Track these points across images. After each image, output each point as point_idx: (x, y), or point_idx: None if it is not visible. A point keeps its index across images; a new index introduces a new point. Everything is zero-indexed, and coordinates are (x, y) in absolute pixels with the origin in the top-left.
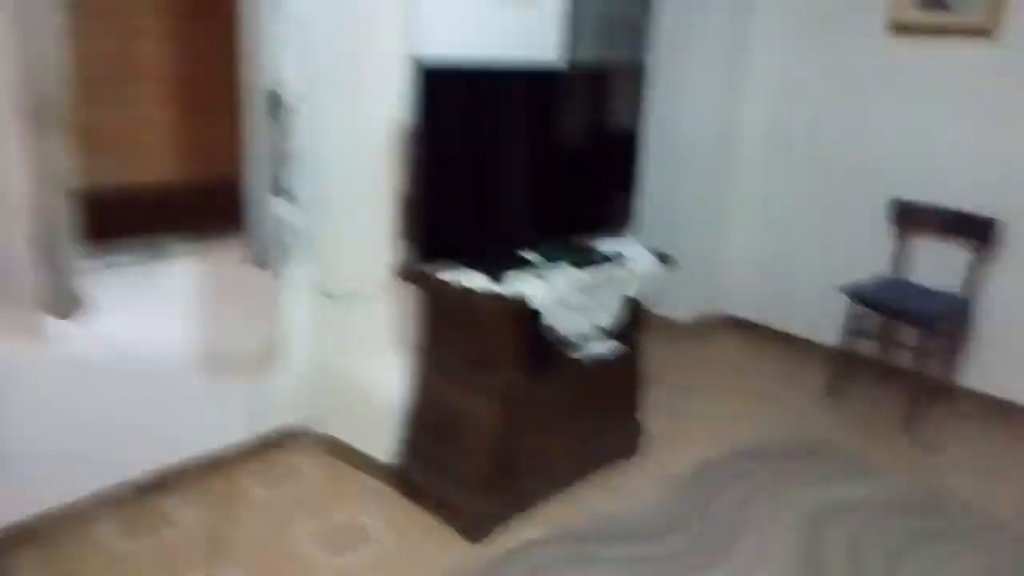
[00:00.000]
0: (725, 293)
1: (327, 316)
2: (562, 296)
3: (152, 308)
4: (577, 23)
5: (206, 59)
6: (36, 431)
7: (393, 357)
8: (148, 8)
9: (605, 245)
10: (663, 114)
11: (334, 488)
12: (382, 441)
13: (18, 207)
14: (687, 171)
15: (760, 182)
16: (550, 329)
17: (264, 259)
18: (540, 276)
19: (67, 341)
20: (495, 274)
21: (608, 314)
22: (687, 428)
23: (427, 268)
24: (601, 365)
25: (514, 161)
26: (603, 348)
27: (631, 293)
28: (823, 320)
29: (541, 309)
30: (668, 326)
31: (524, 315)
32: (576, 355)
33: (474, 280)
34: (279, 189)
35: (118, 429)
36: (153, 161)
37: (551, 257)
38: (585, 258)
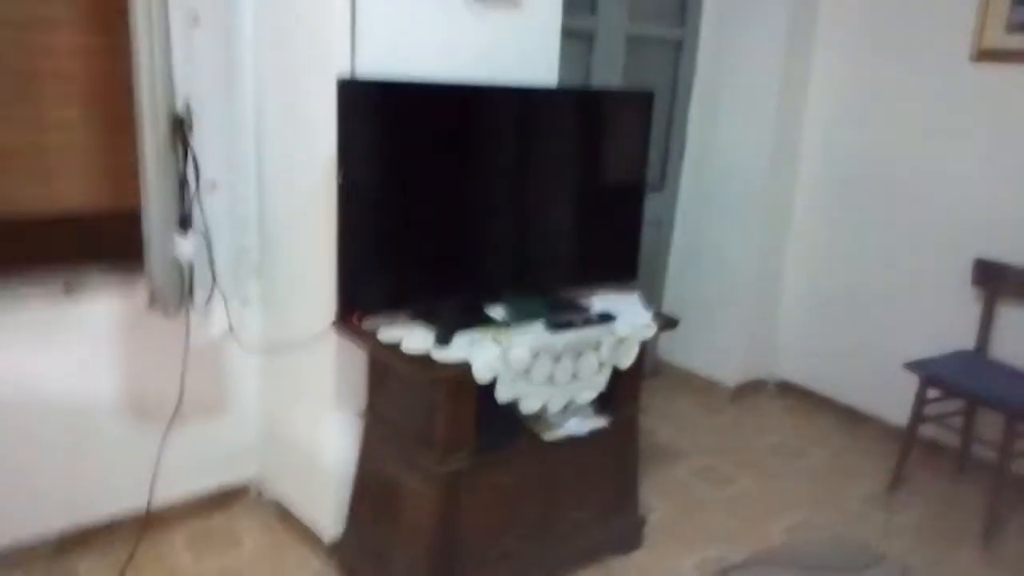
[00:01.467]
0: (777, 354)
1: (270, 368)
2: (521, 364)
3: (61, 347)
4: (584, 39)
5: (121, 75)
6: None
7: (338, 418)
8: (59, 22)
9: (596, 301)
10: (705, 140)
11: (268, 564)
12: (326, 512)
13: None
14: (734, 206)
15: (818, 226)
16: (507, 403)
17: (166, 301)
18: (497, 339)
19: None
20: (445, 333)
21: (587, 386)
22: (705, 520)
23: (367, 322)
24: (580, 445)
25: (478, 197)
26: (579, 426)
27: (618, 362)
28: (891, 395)
29: (490, 380)
30: (707, 389)
31: (469, 385)
32: (545, 434)
33: (414, 340)
34: (186, 224)
35: (35, 477)
36: (64, 187)
37: (521, 314)
38: (562, 317)
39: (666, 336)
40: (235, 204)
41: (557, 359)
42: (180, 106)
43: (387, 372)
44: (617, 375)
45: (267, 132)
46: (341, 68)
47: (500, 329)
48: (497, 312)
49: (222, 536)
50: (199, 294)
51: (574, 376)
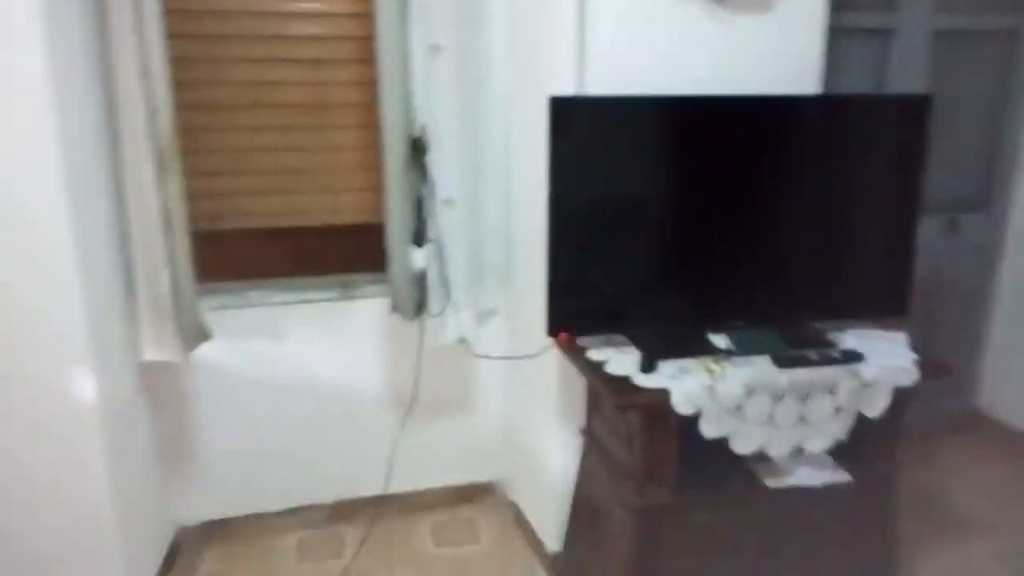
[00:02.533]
0: None
1: (511, 376)
2: (731, 400)
3: (336, 343)
4: (880, 38)
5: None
6: (240, 442)
7: (562, 433)
8: (340, 59)
9: (848, 338)
10: None
11: (498, 563)
12: (550, 524)
13: (156, 247)
14: None
15: None
16: (716, 440)
17: (404, 308)
18: (710, 369)
19: (266, 364)
20: (648, 358)
21: (818, 433)
22: None
23: (579, 340)
24: (815, 498)
25: (706, 216)
26: (811, 477)
27: (863, 410)
28: None
29: (692, 413)
30: (1011, 439)
31: (668, 416)
32: (768, 480)
33: (621, 362)
34: (421, 238)
35: (313, 453)
36: (339, 202)
37: (748, 346)
38: (794, 352)
39: (991, 385)
40: (474, 220)
41: (779, 398)
42: (418, 129)
43: (600, 393)
44: (868, 425)
45: (513, 150)
46: (567, 85)
47: (718, 359)
48: (721, 342)
49: (462, 529)
50: (435, 303)
51: (801, 420)
